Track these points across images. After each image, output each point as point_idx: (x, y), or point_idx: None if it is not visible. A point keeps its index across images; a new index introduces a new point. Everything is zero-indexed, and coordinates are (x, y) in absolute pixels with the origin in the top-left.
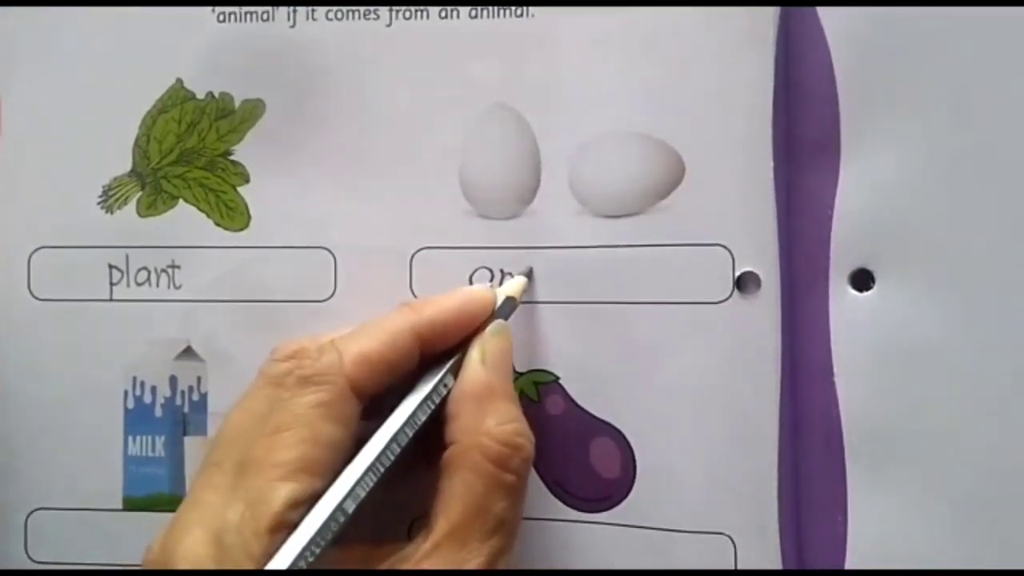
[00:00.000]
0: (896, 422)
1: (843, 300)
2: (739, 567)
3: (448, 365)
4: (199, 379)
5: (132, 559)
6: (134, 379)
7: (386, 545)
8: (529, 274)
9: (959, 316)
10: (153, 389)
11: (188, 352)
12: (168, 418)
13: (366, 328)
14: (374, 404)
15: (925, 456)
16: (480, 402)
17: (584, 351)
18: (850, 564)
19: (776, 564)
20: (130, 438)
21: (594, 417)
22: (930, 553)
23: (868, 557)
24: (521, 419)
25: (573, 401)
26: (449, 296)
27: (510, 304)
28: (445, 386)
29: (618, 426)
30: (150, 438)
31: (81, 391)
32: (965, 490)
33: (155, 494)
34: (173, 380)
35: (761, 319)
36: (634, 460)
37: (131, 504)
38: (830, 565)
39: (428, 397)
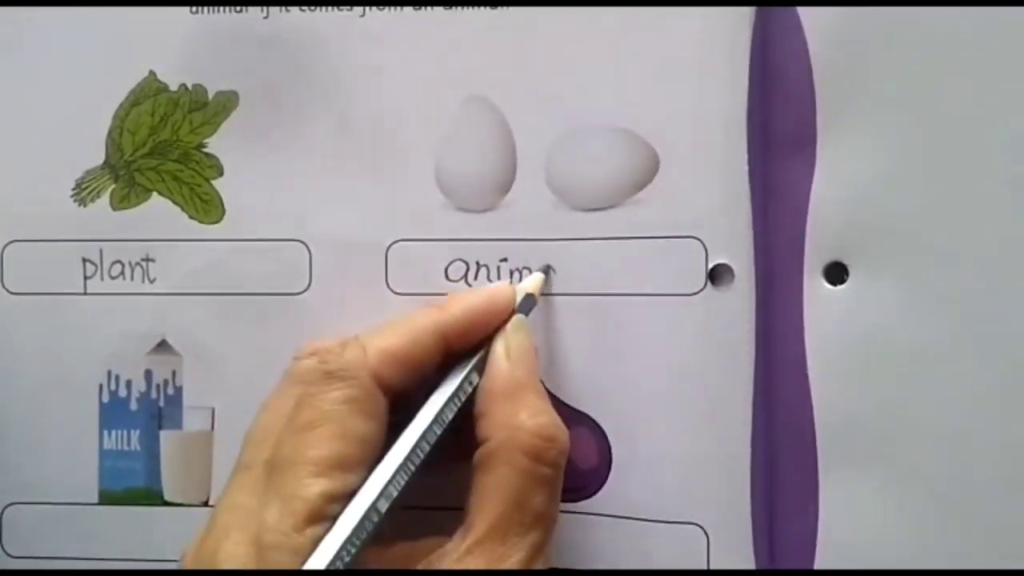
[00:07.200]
0: (868, 415)
1: (817, 293)
2: (711, 557)
3: (473, 362)
4: (174, 373)
5: (108, 553)
6: (109, 373)
7: (425, 541)
8: (546, 270)
9: (932, 310)
10: (128, 383)
11: (163, 346)
12: (143, 412)
13: (390, 325)
14: (399, 401)
15: (897, 449)
16: (510, 397)
17: (560, 343)
18: (821, 555)
19: (748, 554)
20: (105, 432)
21: (571, 408)
22: (901, 545)
23: (839, 549)
24: (551, 411)
25: (550, 392)
26: (474, 294)
27: (529, 300)
28: (470, 383)
29: (594, 417)
30: (125, 432)
31: (56, 385)
32: (936, 483)
33: (131, 488)
34: (148, 374)
35: (734, 311)
36: (610, 451)
37: (107, 498)
38: (801, 556)
39: (455, 395)
